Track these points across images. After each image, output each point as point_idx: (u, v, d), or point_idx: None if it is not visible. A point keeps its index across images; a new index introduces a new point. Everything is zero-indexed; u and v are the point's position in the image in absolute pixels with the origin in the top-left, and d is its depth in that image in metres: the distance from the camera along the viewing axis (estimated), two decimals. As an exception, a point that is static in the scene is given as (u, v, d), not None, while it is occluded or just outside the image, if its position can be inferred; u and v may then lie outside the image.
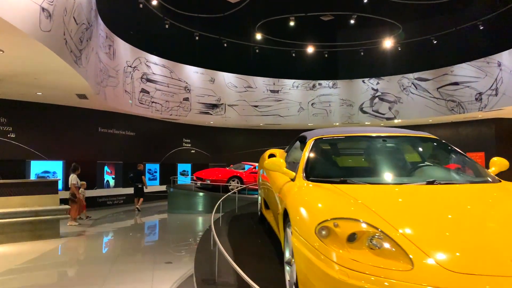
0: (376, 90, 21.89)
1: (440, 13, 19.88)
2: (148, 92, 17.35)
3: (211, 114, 20.04)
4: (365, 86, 22.14)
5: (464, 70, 19.24)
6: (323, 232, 2.30)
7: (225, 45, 19.82)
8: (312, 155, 3.70)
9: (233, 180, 14.00)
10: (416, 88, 20.89)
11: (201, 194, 13.75)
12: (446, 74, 19.97)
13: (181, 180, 18.43)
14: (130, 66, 16.50)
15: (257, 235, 5.15)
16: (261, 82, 21.57)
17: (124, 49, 15.95)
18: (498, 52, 17.63)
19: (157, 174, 19.15)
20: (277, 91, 21.83)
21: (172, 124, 19.95)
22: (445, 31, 19.10)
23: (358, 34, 21.67)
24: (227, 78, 20.71)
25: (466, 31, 18.53)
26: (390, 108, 21.49)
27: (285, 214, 3.10)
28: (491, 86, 17.99)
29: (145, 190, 14.87)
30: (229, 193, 8.48)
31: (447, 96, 19.84)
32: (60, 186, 11.52)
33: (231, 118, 20.65)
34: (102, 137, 16.36)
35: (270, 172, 4.58)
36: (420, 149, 4.48)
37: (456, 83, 19.57)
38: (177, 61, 18.95)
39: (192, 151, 21.43)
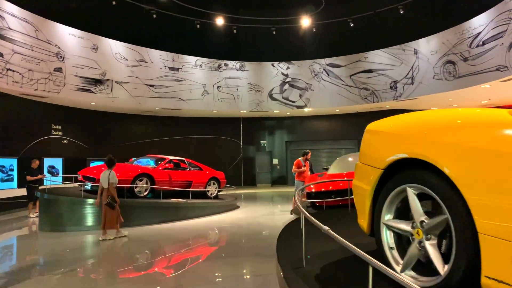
0: (286, 75, 19.89)
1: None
2: (1, 55, 11.97)
3: (93, 92, 15.30)
4: (275, 71, 19.95)
5: (378, 57, 18.46)
6: None
7: (114, 2, 15.28)
8: None
9: (141, 180, 10.09)
10: (328, 74, 19.52)
11: (90, 201, 9.50)
12: (359, 61, 18.99)
13: (50, 181, 13.34)
14: (-29, 13, 10.99)
15: None
16: (157, 57, 17.53)
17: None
18: (415, 39, 17.17)
19: (14, 173, 13.69)
20: (178, 69, 18.06)
21: (37, 104, 14.61)
22: (364, 13, 17.96)
23: (273, 11, 19.31)
24: (115, 48, 16.15)
25: (385, 15, 17.67)
26: (300, 96, 19.73)
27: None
28: (407, 74, 17.47)
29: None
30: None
31: (361, 84, 18.89)
32: None
33: (119, 99, 16.18)
34: None
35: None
36: None
37: (370, 71, 18.71)
38: (46, 17, 13.75)
39: (64, 142, 16.26)
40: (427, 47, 16.65)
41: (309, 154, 11.17)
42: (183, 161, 11.74)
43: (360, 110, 20.83)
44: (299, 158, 10.87)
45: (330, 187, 8.66)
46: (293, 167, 10.64)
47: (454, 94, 16.75)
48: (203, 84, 18.69)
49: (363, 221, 2.94)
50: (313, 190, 8.98)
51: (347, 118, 21.84)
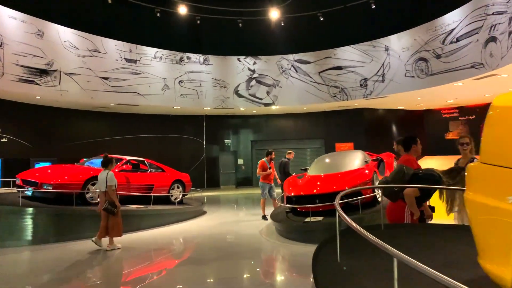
0: (253, 71, 18.87)
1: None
2: None
3: (38, 85, 13.49)
4: (241, 66, 18.86)
5: (348, 54, 17.86)
6: None
7: (63, -16, 13.58)
8: None
9: (93, 184, 8.65)
10: (297, 71, 18.70)
11: (30, 210, 7.96)
12: (329, 57, 18.31)
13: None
14: None
15: None
16: (113, 47, 15.90)
17: None
18: (386, 35, 16.69)
19: None
20: (135, 61, 16.51)
21: (-31, 97, 12.64)
22: (334, 7, 17.27)
23: (239, 1, 18.19)
24: (64, 35, 14.39)
25: (356, 9, 17.08)
26: (268, 93, 18.77)
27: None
28: (378, 71, 16.97)
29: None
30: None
31: (330, 81, 18.21)
32: None
33: (69, 93, 14.44)
34: None
35: None
36: None
37: (339, 67, 18.08)
38: (-22, -5, 11.86)
39: (4, 140, 14.30)
40: (399, 44, 16.21)
41: (273, 153, 10.30)
42: (143, 162, 10.38)
43: (328, 108, 20.22)
44: (263, 159, 9.93)
45: (314, 190, 7.69)
46: (258, 169, 9.69)
47: (421, 94, 16.46)
48: (163, 78, 17.24)
49: (501, 267, 1.74)
50: (292, 194, 7.97)
51: (314, 117, 21.17)
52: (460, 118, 22.30)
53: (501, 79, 13.20)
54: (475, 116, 21.52)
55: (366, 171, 8.03)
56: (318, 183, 7.98)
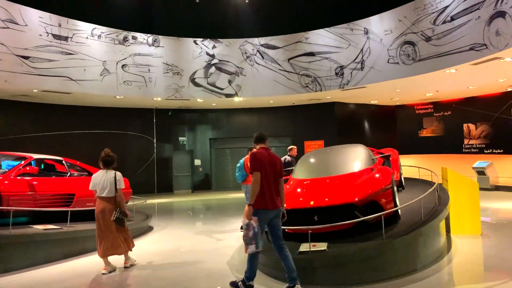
0: (213, 56, 16.18)
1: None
2: None
3: None
4: (198, 49, 16.11)
5: (322, 38, 15.63)
6: None
7: None
8: None
9: None
10: (263, 57, 16.25)
11: None
12: (299, 42, 16.01)
13: None
14: None
15: None
16: (36, 18, 12.62)
17: None
18: (366, 16, 14.61)
19: None
20: (66, 38, 13.30)
21: None
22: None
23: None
24: (-36, -3, 10.99)
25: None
26: (230, 82, 16.17)
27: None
28: (356, 58, 14.86)
29: None
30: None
31: (301, 70, 15.92)
32: None
33: (-28, 74, 11.07)
34: None
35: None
36: None
37: (311, 54, 15.82)
38: None
39: None
40: (380, 26, 14.16)
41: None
42: (59, 161, 7.44)
43: (297, 102, 17.99)
44: (247, 156, 7.32)
45: (312, 202, 5.16)
46: (246, 168, 7.06)
47: (403, 84, 14.55)
48: (102, 61, 14.12)
49: None
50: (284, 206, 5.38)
51: (281, 112, 18.86)
52: (435, 114, 20.81)
53: (504, 64, 11.41)
54: (451, 112, 20.09)
55: (378, 175, 5.63)
56: (315, 191, 5.47)
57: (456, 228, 6.94)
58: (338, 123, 18.48)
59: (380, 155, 6.82)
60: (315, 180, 5.89)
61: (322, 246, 4.68)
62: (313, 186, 5.66)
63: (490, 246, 6.30)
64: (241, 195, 8.39)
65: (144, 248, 7.12)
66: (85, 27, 13.79)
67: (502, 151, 17.89)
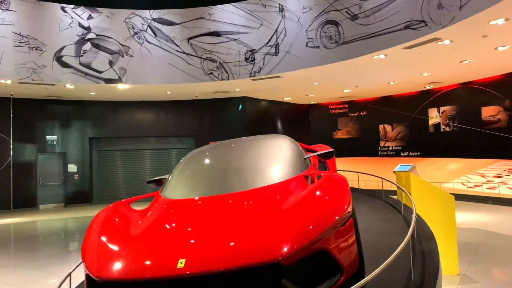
0: (88, 29, 12.42)
1: None
2: None
3: None
4: (67, 19, 12.23)
5: (229, 15, 12.85)
6: None
7: None
8: None
9: None
10: (156, 34, 12.97)
11: None
12: (202, 18, 13.04)
13: None
14: None
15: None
16: None
17: None
18: (281, -9, 12.15)
19: None
20: None
21: None
22: None
23: None
24: None
25: None
26: (112, 63, 12.57)
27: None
28: (269, 41, 12.31)
29: None
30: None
31: (204, 52, 12.96)
32: None
33: None
34: None
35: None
36: None
37: (216, 33, 12.95)
38: None
39: None
40: (298, 2, 11.79)
41: None
42: None
43: (201, 96, 15.08)
44: None
45: (181, 263, 2.09)
46: None
47: (322, 74, 12.42)
48: None
49: None
50: (102, 274, 2.26)
51: (182, 107, 15.73)
52: (350, 115, 19.33)
53: (439, 50, 9.65)
54: (366, 112, 18.73)
55: (322, 192, 2.70)
56: (197, 228, 2.41)
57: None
58: (248, 122, 15.89)
59: (315, 153, 3.96)
60: (203, 201, 2.86)
61: None
62: (195, 217, 2.63)
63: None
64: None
65: None
66: None
67: (419, 153, 16.83)
